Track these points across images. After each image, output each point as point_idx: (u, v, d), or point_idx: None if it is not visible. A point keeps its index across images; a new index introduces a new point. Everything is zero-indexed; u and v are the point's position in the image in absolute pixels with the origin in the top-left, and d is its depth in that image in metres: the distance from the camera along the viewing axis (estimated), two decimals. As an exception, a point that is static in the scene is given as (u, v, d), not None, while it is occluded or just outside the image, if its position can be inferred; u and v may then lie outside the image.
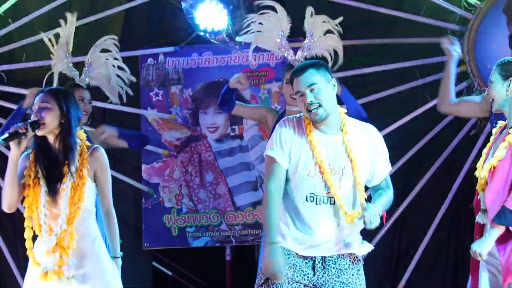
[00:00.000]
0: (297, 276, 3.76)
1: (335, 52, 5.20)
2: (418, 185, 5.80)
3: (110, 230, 4.06)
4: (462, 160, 5.72)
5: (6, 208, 4.02)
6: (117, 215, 4.12)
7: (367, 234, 5.76)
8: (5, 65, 6.15)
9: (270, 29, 5.23)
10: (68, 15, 5.27)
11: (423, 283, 5.91)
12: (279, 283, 3.73)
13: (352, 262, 3.80)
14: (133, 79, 5.39)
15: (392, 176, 5.67)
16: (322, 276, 3.77)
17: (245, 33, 5.30)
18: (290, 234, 3.79)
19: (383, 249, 5.88)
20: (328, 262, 3.78)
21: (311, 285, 3.78)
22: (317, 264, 3.77)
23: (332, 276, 3.77)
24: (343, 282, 3.76)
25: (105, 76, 5.31)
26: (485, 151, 4.14)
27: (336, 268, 3.77)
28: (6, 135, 3.86)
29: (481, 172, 4.10)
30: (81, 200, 3.99)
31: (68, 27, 5.27)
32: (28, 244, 3.98)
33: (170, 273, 6.23)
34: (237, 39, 5.49)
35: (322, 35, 5.20)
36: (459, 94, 5.29)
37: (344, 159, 3.75)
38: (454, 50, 4.98)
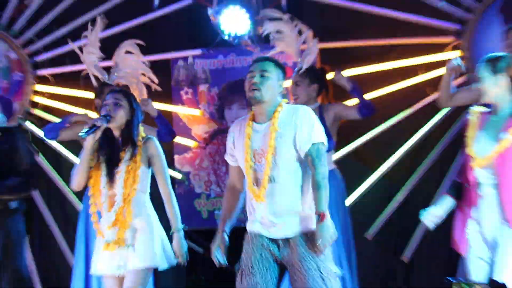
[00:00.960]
0: (265, 255, 3.86)
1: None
2: (420, 169, 5.80)
3: (169, 208, 4.16)
4: (459, 145, 5.53)
5: (75, 187, 4.18)
6: (155, 201, 4.19)
7: (374, 216, 5.94)
8: (52, 69, 6.22)
9: (290, 36, 5.33)
10: (98, 18, 5.37)
11: (425, 258, 5.90)
12: (253, 263, 3.85)
13: (306, 238, 3.83)
14: (155, 79, 5.38)
15: (396, 165, 5.90)
16: (286, 253, 3.84)
17: (267, 38, 5.43)
18: (251, 219, 3.92)
19: (389, 228, 5.91)
20: (289, 241, 3.84)
21: (278, 259, 3.87)
22: (280, 244, 3.86)
23: (292, 251, 3.83)
24: (299, 254, 3.80)
25: (132, 75, 5.36)
26: (470, 134, 4.15)
27: (293, 244, 3.82)
28: (86, 129, 4.00)
29: (477, 151, 4.08)
30: (136, 182, 4.10)
31: (95, 32, 5.33)
32: (93, 218, 4.14)
33: (201, 250, 6.19)
34: (271, 52, 5.43)
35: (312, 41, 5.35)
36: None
37: (266, 142, 3.83)
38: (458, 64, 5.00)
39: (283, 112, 3.90)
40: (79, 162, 4.16)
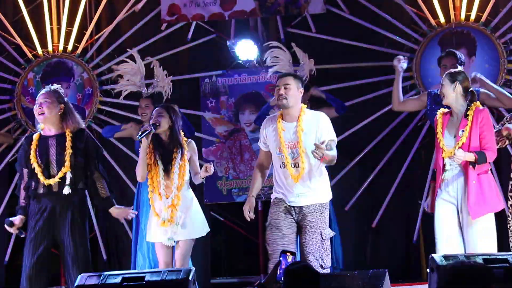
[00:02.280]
0: (288, 215, 4.25)
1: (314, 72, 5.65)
2: (384, 158, 6.22)
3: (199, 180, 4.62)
4: (413, 141, 6.15)
5: (140, 179, 4.61)
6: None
7: (351, 194, 6.27)
8: (113, 85, 6.39)
9: (284, 60, 5.66)
10: (137, 55, 5.66)
11: (389, 224, 6.30)
12: (279, 219, 4.21)
13: (316, 209, 4.22)
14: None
15: (366, 153, 6.24)
16: (300, 217, 4.24)
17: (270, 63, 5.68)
18: (278, 191, 4.29)
19: (362, 202, 6.29)
20: (302, 209, 4.24)
21: (295, 220, 4.25)
22: (296, 209, 4.25)
23: (304, 217, 4.23)
24: (309, 220, 4.21)
25: (166, 86, 5.63)
26: (439, 130, 4.40)
27: (306, 211, 4.23)
28: (140, 133, 4.45)
29: (445, 145, 4.34)
30: (185, 175, 4.53)
31: (139, 64, 5.68)
32: (151, 202, 4.57)
33: (222, 218, 6.53)
34: (270, 71, 5.72)
35: (307, 62, 5.64)
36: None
37: (296, 137, 4.21)
38: (401, 67, 5.19)
39: (306, 116, 4.20)
40: (140, 160, 4.47)
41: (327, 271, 4.26)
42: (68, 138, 4.32)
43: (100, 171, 4.40)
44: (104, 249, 6.45)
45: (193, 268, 3.81)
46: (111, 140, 6.28)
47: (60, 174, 4.29)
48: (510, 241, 4.60)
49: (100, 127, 6.43)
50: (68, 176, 4.28)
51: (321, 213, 4.21)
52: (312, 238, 4.17)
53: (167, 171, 4.47)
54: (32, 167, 4.31)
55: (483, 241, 4.24)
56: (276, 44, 5.67)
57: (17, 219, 4.40)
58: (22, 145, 4.45)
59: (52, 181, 4.30)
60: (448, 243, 4.30)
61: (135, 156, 4.93)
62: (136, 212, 4.50)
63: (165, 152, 4.50)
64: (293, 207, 4.23)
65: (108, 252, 6.48)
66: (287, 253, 3.36)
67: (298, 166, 4.16)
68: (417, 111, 5.64)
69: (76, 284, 3.75)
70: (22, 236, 4.47)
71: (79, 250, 4.29)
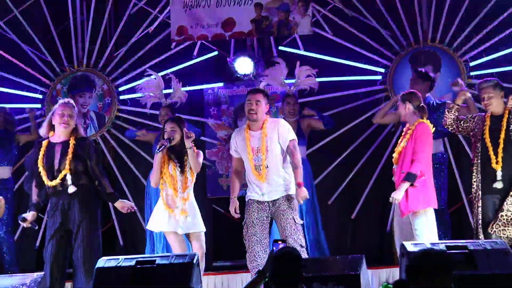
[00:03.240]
0: (261, 213, 4.34)
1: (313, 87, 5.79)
2: (362, 159, 6.27)
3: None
4: (387, 144, 6.18)
5: (154, 185, 4.71)
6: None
7: (333, 190, 6.34)
8: (130, 95, 6.55)
9: (276, 74, 5.77)
10: (155, 73, 5.83)
11: (366, 217, 6.36)
12: (253, 218, 4.29)
13: (285, 199, 4.33)
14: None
15: (347, 155, 6.29)
16: (274, 210, 4.35)
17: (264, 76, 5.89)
18: (251, 191, 4.41)
19: (342, 197, 6.34)
20: (275, 202, 4.35)
21: (269, 215, 4.35)
22: (270, 204, 4.36)
23: (276, 209, 4.34)
24: (282, 209, 4.33)
25: (181, 97, 5.82)
26: (399, 142, 4.66)
27: (278, 204, 4.34)
28: (158, 147, 4.57)
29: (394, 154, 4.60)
30: (194, 175, 4.66)
31: (158, 78, 5.83)
32: (161, 194, 4.68)
33: (222, 210, 6.45)
34: (261, 84, 5.75)
35: (304, 77, 5.74)
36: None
37: (260, 143, 4.33)
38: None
39: (268, 124, 4.33)
40: (154, 168, 4.59)
41: (304, 250, 4.36)
42: (71, 145, 4.42)
43: (101, 172, 4.51)
44: (120, 236, 6.52)
45: (197, 253, 3.87)
46: (128, 143, 6.45)
47: (60, 176, 4.40)
48: (479, 224, 4.67)
49: (118, 131, 6.57)
50: (68, 177, 4.39)
51: (290, 202, 4.30)
52: (287, 224, 4.25)
53: (182, 169, 4.60)
54: (38, 170, 4.44)
55: (419, 232, 4.40)
56: (277, 60, 5.83)
57: (29, 215, 4.51)
58: (33, 149, 4.54)
59: (54, 183, 4.42)
60: (400, 232, 4.55)
61: (149, 157, 5.04)
62: (135, 208, 4.65)
63: (177, 157, 4.64)
64: (266, 202, 4.31)
65: (124, 239, 6.53)
66: (279, 241, 3.35)
67: (262, 168, 4.27)
68: (390, 119, 5.75)
69: (96, 267, 3.78)
70: (36, 228, 4.64)
71: (87, 237, 4.39)
